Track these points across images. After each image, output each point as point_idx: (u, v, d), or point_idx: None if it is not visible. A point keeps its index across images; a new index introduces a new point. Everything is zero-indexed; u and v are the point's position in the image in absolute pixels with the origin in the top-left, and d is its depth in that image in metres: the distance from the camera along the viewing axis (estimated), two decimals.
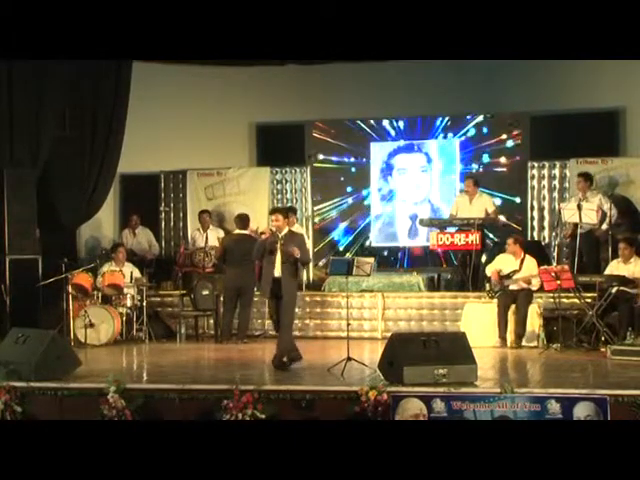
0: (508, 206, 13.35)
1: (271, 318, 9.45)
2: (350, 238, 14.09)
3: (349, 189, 14.19)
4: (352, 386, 7.50)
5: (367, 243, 13.87)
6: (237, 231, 11.60)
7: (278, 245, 8.89)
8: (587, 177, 11.94)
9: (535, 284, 10.71)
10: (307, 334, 11.75)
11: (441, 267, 13.26)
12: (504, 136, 13.57)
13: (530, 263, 10.87)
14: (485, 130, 13.67)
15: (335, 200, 14.17)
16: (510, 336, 10.60)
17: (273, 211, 9.35)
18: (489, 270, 11.02)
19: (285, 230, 9.07)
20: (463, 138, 13.74)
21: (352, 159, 14.16)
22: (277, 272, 8.94)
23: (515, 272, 10.81)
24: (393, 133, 14.04)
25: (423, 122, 13.91)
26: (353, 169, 14.18)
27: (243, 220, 11.62)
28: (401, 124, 13.98)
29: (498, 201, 13.11)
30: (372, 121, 14.06)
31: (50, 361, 8.14)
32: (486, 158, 13.67)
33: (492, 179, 13.50)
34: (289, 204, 13.94)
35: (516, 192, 13.48)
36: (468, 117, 13.71)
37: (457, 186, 13.64)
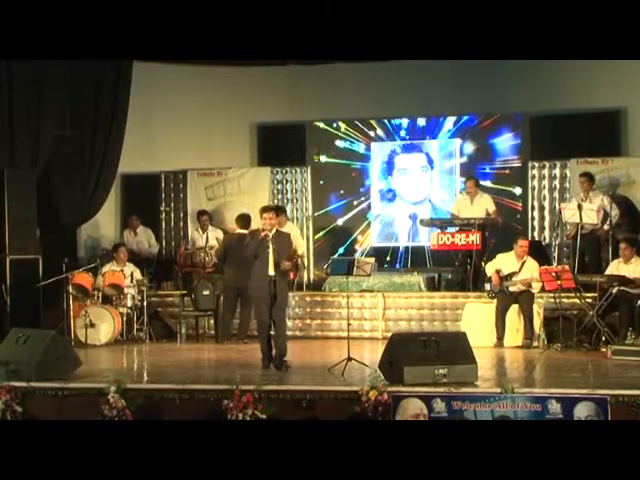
0: (508, 207, 13.38)
1: (259, 318, 9.23)
2: (351, 239, 14.07)
3: (349, 189, 14.19)
4: (352, 386, 7.50)
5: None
6: (238, 231, 11.58)
7: (270, 245, 8.89)
8: (591, 177, 11.94)
9: (536, 287, 10.67)
10: (307, 334, 11.75)
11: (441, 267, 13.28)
12: (504, 136, 13.57)
13: (531, 265, 10.80)
14: (485, 130, 13.65)
15: (335, 200, 14.16)
16: (518, 337, 10.60)
17: (267, 209, 9.22)
18: (489, 269, 11.00)
19: (273, 230, 9.06)
20: (463, 138, 13.74)
21: (352, 159, 14.15)
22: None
23: (514, 274, 10.78)
24: (393, 133, 14.03)
25: (423, 122, 13.90)
26: (353, 169, 14.18)
27: (245, 219, 11.60)
28: (401, 124, 13.98)
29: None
30: (372, 121, 14.06)
31: (50, 361, 8.13)
32: (486, 158, 13.66)
33: (493, 179, 13.50)
34: (289, 204, 13.96)
35: (516, 192, 13.49)
36: (468, 117, 13.71)
37: (457, 186, 13.64)
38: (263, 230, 8.98)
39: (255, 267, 9.06)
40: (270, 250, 8.88)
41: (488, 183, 13.41)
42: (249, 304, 11.21)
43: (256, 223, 12.84)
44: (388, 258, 13.85)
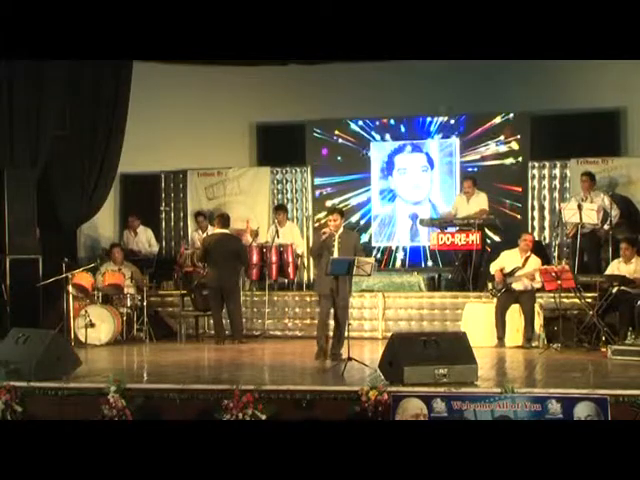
0: (510, 205, 13.41)
1: (323, 316, 9.65)
2: None
3: (349, 189, 14.18)
4: (352, 386, 7.50)
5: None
6: (218, 230, 11.58)
7: (336, 244, 9.34)
8: (592, 177, 11.94)
9: (539, 280, 10.67)
10: (308, 334, 11.72)
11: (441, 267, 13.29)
12: (504, 136, 13.57)
13: (534, 262, 10.84)
14: (485, 130, 13.65)
15: (335, 200, 14.16)
16: (519, 337, 10.60)
17: (332, 211, 9.78)
18: (493, 268, 11.00)
19: (340, 230, 9.52)
20: (463, 138, 13.73)
21: (352, 159, 14.14)
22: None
23: (518, 269, 10.78)
24: (393, 133, 14.03)
25: (423, 122, 13.90)
26: (353, 169, 14.17)
27: (224, 219, 11.63)
28: (401, 124, 13.98)
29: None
30: (372, 121, 14.05)
31: (50, 361, 8.13)
32: (486, 158, 13.66)
33: (492, 179, 13.50)
34: (289, 204, 13.96)
35: (516, 191, 13.49)
36: (469, 117, 13.70)
37: (457, 186, 13.63)
38: (323, 233, 9.44)
39: (321, 266, 9.46)
40: (335, 249, 9.35)
41: (488, 182, 13.40)
42: (236, 303, 11.21)
43: (258, 223, 13.03)
44: (388, 258, 13.86)
